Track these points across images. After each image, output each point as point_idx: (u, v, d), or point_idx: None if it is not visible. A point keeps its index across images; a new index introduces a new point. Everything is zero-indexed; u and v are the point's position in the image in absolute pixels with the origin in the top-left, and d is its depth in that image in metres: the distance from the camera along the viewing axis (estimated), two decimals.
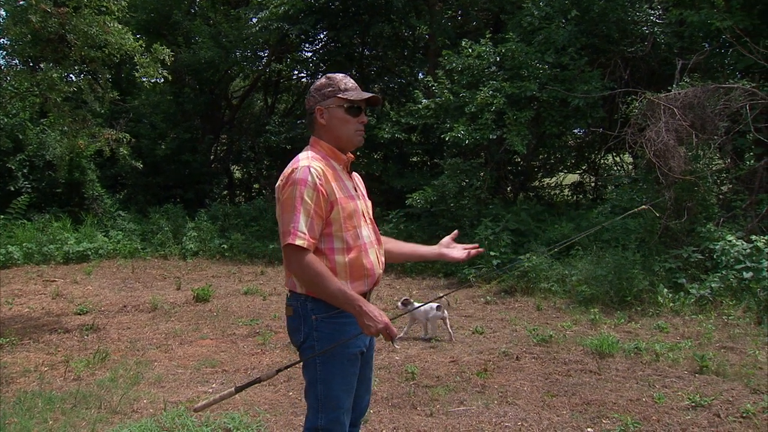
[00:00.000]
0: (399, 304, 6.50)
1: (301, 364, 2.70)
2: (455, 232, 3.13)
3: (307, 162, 2.58)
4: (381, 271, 2.77)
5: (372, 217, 2.85)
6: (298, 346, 2.70)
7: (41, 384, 5.29)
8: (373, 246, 2.73)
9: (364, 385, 2.85)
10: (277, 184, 2.64)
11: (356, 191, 2.75)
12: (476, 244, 3.04)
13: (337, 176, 2.67)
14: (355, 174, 2.90)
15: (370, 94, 2.71)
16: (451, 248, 3.01)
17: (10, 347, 6.40)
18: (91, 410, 4.69)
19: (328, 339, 2.61)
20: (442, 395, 4.95)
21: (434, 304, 6.45)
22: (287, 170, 2.60)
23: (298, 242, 2.48)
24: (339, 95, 2.67)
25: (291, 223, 2.50)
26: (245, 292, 9.11)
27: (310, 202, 2.51)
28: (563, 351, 6.08)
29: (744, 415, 4.43)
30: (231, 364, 5.85)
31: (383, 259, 2.82)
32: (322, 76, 2.78)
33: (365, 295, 2.68)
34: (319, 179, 2.54)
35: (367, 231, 2.72)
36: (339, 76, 2.74)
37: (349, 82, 2.72)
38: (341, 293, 2.49)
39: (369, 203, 2.88)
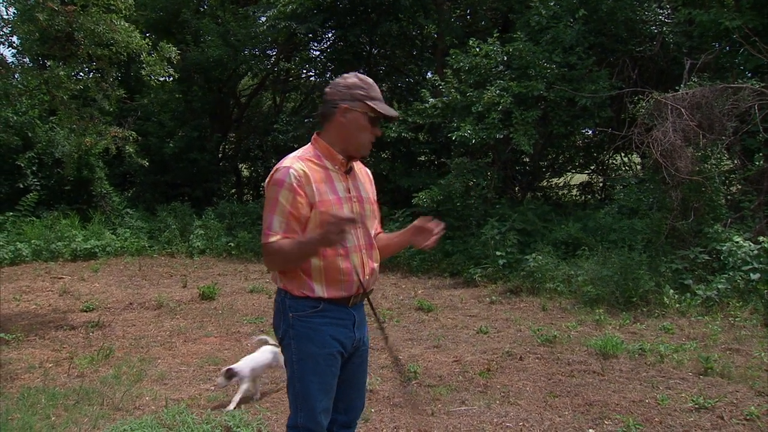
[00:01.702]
0: (220, 379, 4.75)
1: (284, 360, 2.74)
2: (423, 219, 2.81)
3: (290, 162, 2.59)
4: (366, 277, 2.68)
5: (367, 220, 2.74)
6: (279, 342, 2.73)
7: (45, 380, 5.33)
8: (359, 251, 2.66)
9: (354, 387, 2.83)
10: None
11: (349, 193, 2.68)
12: (437, 224, 2.75)
13: (327, 177, 2.63)
14: (362, 173, 2.82)
15: (396, 113, 2.70)
16: (419, 236, 2.76)
17: (16, 343, 6.44)
18: (93, 407, 4.71)
19: (303, 338, 2.61)
20: (444, 395, 4.94)
21: (272, 348, 5.09)
22: (273, 169, 2.61)
23: (270, 239, 2.53)
24: (368, 102, 2.61)
25: (265, 224, 2.55)
26: (251, 291, 9.12)
27: (285, 203, 2.52)
28: (567, 351, 6.05)
29: (748, 417, 4.39)
30: (234, 361, 5.84)
31: (374, 265, 2.74)
32: (351, 74, 2.70)
33: (347, 299, 2.65)
34: (297, 180, 2.53)
35: (353, 235, 2.64)
36: (370, 81, 2.68)
37: (377, 92, 2.67)
38: (297, 245, 2.51)
39: (370, 206, 2.78)
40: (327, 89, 2.69)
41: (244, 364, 4.82)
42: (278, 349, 4.94)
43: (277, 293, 2.73)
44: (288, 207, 2.52)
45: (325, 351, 2.62)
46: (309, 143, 2.73)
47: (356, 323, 2.72)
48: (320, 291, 2.59)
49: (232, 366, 4.78)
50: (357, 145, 2.66)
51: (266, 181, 2.62)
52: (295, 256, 2.53)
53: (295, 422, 2.66)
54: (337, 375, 2.68)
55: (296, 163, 2.59)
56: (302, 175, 2.55)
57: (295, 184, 2.52)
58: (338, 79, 2.70)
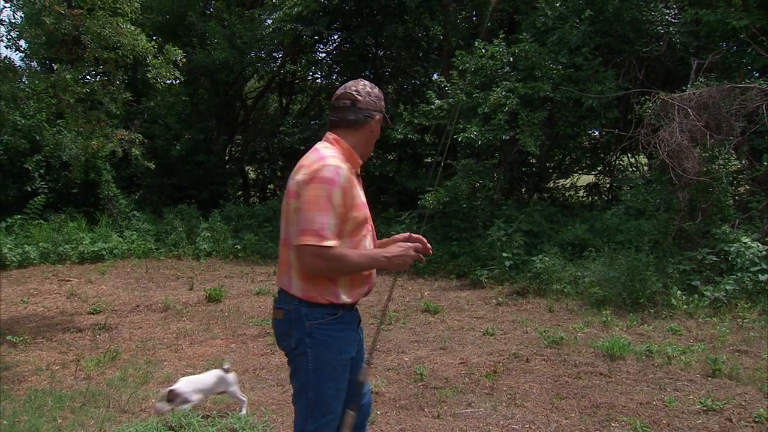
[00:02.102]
0: (161, 404, 4.35)
1: (290, 370, 2.66)
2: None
3: (335, 162, 2.51)
4: (375, 278, 2.74)
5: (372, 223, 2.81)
6: (289, 351, 2.63)
7: (52, 382, 5.34)
8: None
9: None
10: (298, 178, 2.52)
11: (364, 198, 2.71)
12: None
13: (355, 181, 2.61)
14: None
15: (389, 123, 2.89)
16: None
17: (23, 346, 6.46)
18: (99, 409, 4.72)
19: (322, 346, 2.56)
20: (450, 397, 4.93)
21: (218, 372, 4.64)
22: (314, 165, 2.51)
23: (329, 243, 2.43)
24: (385, 113, 2.76)
25: (318, 223, 2.43)
26: (257, 293, 9.13)
27: (339, 204, 2.47)
28: (574, 353, 6.02)
29: (756, 419, 4.36)
30: (240, 364, 5.85)
31: None
32: (368, 82, 2.75)
33: (354, 303, 2.66)
34: (348, 181, 2.50)
35: (369, 240, 2.67)
36: None
37: None
38: (366, 259, 2.56)
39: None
40: (358, 96, 2.67)
41: (186, 384, 4.45)
42: (228, 374, 4.61)
43: (282, 302, 2.63)
44: (341, 209, 2.47)
45: (343, 357, 2.61)
46: (327, 143, 2.66)
47: (359, 324, 2.76)
48: (345, 296, 2.58)
49: (173, 387, 4.40)
50: (369, 151, 2.79)
51: (304, 178, 2.49)
52: (358, 268, 2.55)
53: (303, 429, 2.61)
54: (347, 380, 2.67)
55: (343, 163, 2.54)
56: (348, 176, 2.52)
57: (347, 185, 2.49)
58: (365, 87, 2.71)
